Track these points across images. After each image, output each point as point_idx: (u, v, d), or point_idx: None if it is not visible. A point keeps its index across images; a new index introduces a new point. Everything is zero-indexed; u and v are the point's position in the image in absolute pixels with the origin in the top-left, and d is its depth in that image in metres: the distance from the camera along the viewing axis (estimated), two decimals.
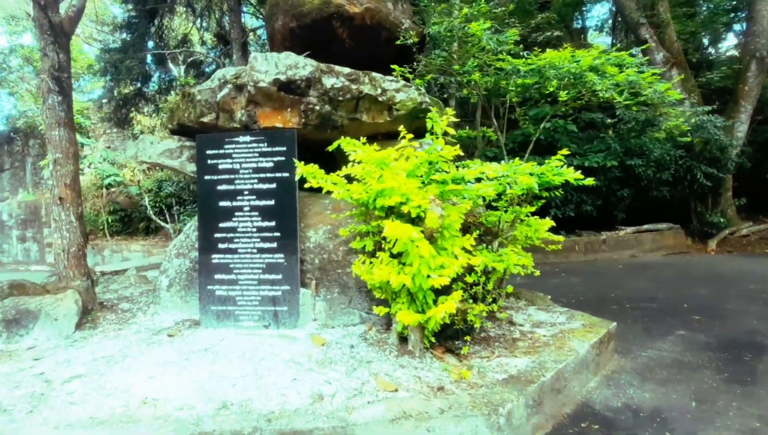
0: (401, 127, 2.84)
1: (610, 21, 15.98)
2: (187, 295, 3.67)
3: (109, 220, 10.80)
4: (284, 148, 3.24)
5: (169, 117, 3.94)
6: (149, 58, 8.36)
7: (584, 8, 15.62)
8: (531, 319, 4.06)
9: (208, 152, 3.35)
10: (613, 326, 3.86)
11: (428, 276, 2.54)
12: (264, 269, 3.24)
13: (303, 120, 3.31)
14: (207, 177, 3.35)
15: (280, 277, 3.22)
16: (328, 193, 3.36)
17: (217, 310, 3.30)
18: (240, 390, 2.43)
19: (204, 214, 3.36)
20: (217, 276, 3.30)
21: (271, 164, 3.26)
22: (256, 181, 3.28)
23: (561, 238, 3.84)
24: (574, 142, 9.70)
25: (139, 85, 8.30)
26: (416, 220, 2.67)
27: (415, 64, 4.23)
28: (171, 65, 10.43)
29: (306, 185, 2.77)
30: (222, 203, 3.32)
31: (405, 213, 2.66)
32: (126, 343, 3.17)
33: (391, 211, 2.79)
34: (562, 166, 2.94)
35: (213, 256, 3.31)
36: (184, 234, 3.80)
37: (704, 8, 13.48)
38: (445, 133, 2.74)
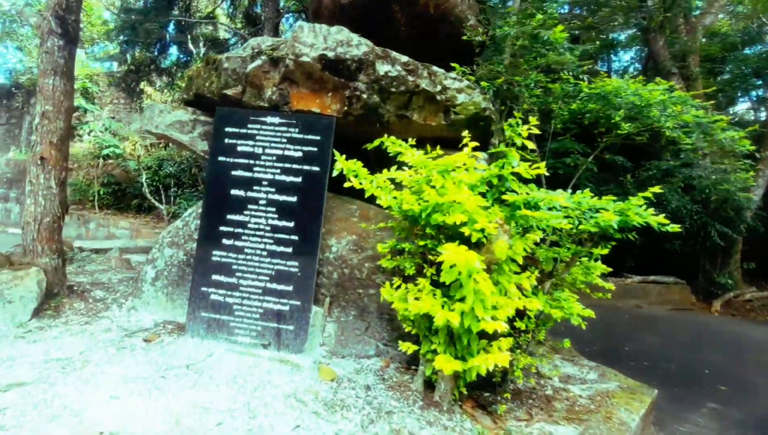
0: (465, 133, 2.37)
1: (632, 68, 15.92)
2: (174, 292, 3.11)
3: (101, 192, 10.16)
4: (318, 138, 2.74)
5: (187, 85, 3.44)
6: (171, 28, 7.83)
7: (611, 51, 15.59)
8: (558, 371, 3.58)
9: (227, 130, 2.84)
10: (655, 394, 3.41)
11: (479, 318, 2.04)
12: (273, 277, 2.71)
13: (345, 108, 2.83)
14: (221, 158, 2.83)
15: (290, 288, 2.69)
16: (358, 196, 2.86)
17: (209, 318, 2.74)
18: (227, 433, 1.88)
19: (211, 201, 2.83)
20: (215, 277, 2.76)
21: (299, 154, 2.76)
22: (278, 171, 2.77)
23: (611, 286, 3.37)
24: (591, 181, 9.39)
25: (155, 53, 7.75)
26: (474, 246, 2.18)
27: (475, 67, 3.80)
28: (191, 46, 9.89)
29: (346, 184, 2.26)
30: (234, 192, 2.80)
31: (462, 235, 2.17)
32: (91, 343, 2.60)
33: (440, 231, 2.30)
34: (642, 206, 2.48)
35: (214, 252, 2.78)
36: (183, 221, 3.26)
37: (728, 68, 13.49)
38: (522, 147, 2.27)
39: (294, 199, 2.74)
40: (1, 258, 3.51)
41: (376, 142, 2.68)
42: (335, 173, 2.35)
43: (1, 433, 1.66)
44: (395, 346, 2.73)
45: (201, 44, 10.50)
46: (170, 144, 11.68)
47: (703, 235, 9.96)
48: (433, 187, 2.14)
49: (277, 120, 2.81)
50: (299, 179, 2.74)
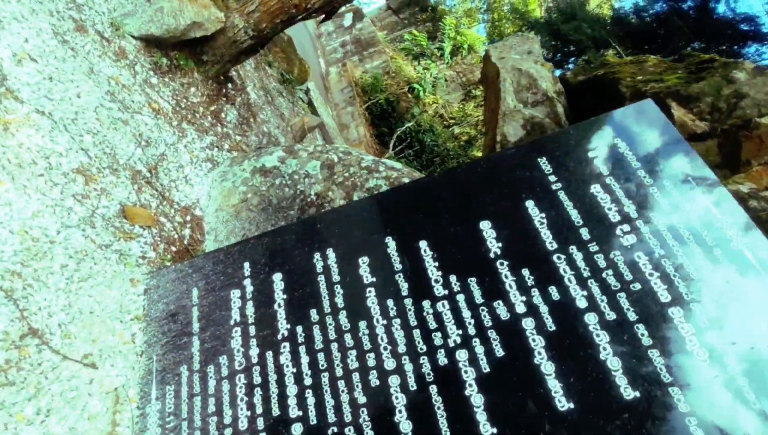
0: None
1: None
2: (257, 218, 1.67)
3: (381, 101, 10.44)
4: None
5: (598, 63, 1.95)
6: None
7: None
8: None
9: (616, 144, 1.10)
10: None
11: None
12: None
13: None
14: (554, 181, 1.13)
15: None
16: None
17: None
18: None
19: (436, 210, 1.20)
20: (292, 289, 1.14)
21: None
22: (605, 302, 0.92)
23: None
24: None
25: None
26: None
27: None
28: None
29: None
30: (486, 240, 1.08)
31: None
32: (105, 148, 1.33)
33: None
34: None
35: (363, 260, 1.15)
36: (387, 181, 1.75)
37: None
38: None
39: (563, 365, 0.85)
40: None
41: None
42: None
43: None
44: None
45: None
46: (471, 96, 11.28)
47: None
48: None
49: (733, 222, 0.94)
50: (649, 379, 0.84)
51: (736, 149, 1.30)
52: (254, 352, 1.06)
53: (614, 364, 0.87)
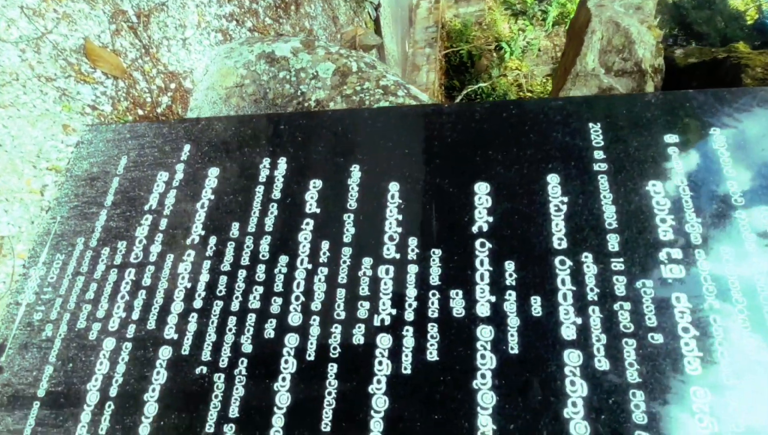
0: None
1: None
2: (246, 106, 1.43)
3: (466, 55, 9.62)
4: None
5: None
6: None
7: None
8: None
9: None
10: None
11: None
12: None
13: None
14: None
15: None
16: None
17: None
18: None
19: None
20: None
21: None
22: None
23: None
24: None
25: None
26: None
27: None
28: None
29: None
30: (478, 205, 0.79)
31: None
32: None
33: None
34: None
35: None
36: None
37: None
38: None
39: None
40: None
41: None
42: None
43: None
44: None
45: None
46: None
47: None
48: None
49: None
50: None
51: None
52: (156, 248, 0.87)
53: (579, 430, 0.61)
